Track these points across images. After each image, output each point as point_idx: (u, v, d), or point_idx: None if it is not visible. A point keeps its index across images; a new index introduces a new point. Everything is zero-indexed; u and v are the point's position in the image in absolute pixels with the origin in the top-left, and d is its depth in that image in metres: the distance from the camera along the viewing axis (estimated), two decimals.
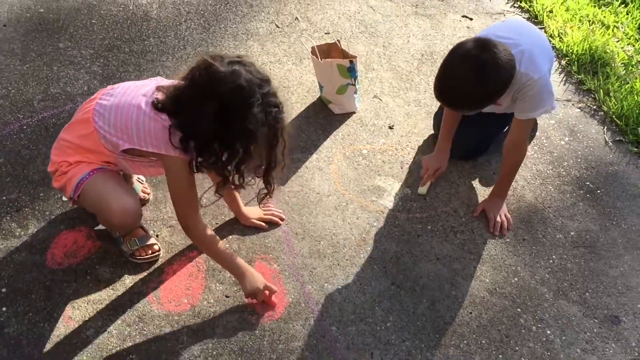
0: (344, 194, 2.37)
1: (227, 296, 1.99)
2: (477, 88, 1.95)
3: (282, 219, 2.25)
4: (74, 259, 2.04)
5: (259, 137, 1.65)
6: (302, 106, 2.75)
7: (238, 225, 2.21)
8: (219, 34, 3.11)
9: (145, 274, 2.03)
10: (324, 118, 2.70)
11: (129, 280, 2.00)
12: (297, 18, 3.29)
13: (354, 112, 2.74)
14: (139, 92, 1.80)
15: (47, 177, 2.27)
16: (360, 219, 2.28)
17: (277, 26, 3.22)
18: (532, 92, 2.12)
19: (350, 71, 2.58)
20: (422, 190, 2.41)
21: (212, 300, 1.97)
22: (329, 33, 3.17)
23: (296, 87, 2.84)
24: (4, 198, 2.20)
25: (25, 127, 2.48)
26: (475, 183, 2.47)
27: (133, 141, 1.76)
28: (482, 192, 2.43)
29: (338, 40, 2.68)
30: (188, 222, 1.84)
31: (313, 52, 2.62)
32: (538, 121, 2.77)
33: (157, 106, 1.73)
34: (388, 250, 2.19)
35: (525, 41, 2.12)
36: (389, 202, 2.36)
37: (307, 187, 2.38)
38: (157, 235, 2.13)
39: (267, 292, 1.95)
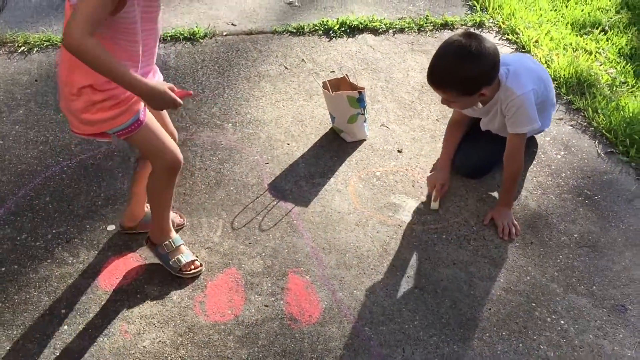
0: (363, 211, 2.57)
1: (266, 306, 2.16)
2: (456, 65, 2.23)
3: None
4: (124, 281, 2.22)
5: None
6: (316, 137, 2.98)
7: (270, 243, 2.40)
8: (233, 77, 3.37)
9: (190, 290, 2.20)
10: (337, 146, 2.92)
11: (176, 297, 2.18)
12: (303, 60, 3.56)
13: (365, 140, 2.97)
14: None
15: (92, 210, 2.48)
16: (380, 233, 2.48)
17: (286, 68, 3.48)
18: (514, 108, 2.41)
19: (360, 101, 2.83)
20: (434, 205, 2.59)
21: (253, 310, 2.15)
22: (334, 72, 3.43)
23: (309, 121, 3.08)
24: (54, 231, 2.39)
25: (65, 168, 2.69)
26: (482, 196, 2.68)
27: None
28: (489, 203, 2.64)
29: (346, 75, 2.93)
30: (76, 30, 1.57)
31: (325, 86, 2.87)
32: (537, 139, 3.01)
33: None
34: (408, 258, 2.37)
35: (515, 64, 2.45)
36: (405, 216, 2.56)
37: (328, 208, 2.58)
38: (196, 256, 2.31)
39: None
